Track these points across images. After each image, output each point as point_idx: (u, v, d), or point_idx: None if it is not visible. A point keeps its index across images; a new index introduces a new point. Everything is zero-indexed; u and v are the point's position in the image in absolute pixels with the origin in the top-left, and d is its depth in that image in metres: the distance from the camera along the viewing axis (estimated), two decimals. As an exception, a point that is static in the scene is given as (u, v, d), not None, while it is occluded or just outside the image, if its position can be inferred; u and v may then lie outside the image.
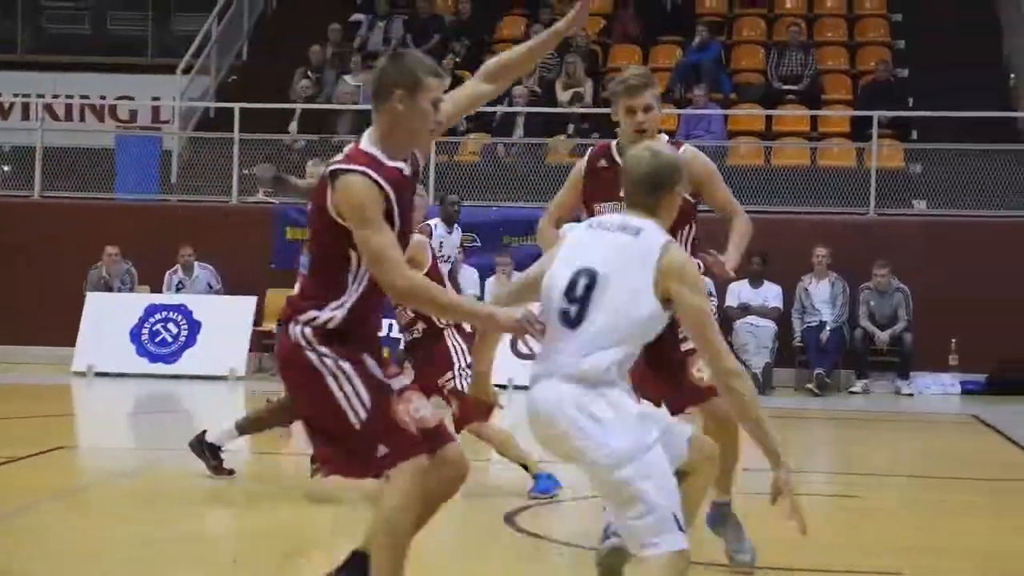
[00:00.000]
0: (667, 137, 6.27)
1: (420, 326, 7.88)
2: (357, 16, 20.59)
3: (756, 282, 15.48)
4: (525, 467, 7.90)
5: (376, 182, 4.45)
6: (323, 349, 4.50)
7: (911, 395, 15.19)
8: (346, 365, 4.50)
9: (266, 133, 17.77)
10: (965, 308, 15.04)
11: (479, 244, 16.19)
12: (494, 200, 16.72)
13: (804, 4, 20.99)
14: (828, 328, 15.34)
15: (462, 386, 7.77)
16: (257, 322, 15.91)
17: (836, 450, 11.97)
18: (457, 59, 19.06)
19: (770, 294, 15.49)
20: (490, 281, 15.53)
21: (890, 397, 15.18)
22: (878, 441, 12.24)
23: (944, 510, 8.13)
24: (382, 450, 4.46)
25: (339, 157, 4.57)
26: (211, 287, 16.25)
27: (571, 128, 17.85)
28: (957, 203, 15.91)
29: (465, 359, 7.82)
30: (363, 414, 4.47)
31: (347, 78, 18.58)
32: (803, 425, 12.98)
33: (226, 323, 15.60)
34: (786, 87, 18.53)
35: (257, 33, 21.23)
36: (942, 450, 11.45)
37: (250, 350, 15.65)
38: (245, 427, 8.18)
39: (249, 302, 15.86)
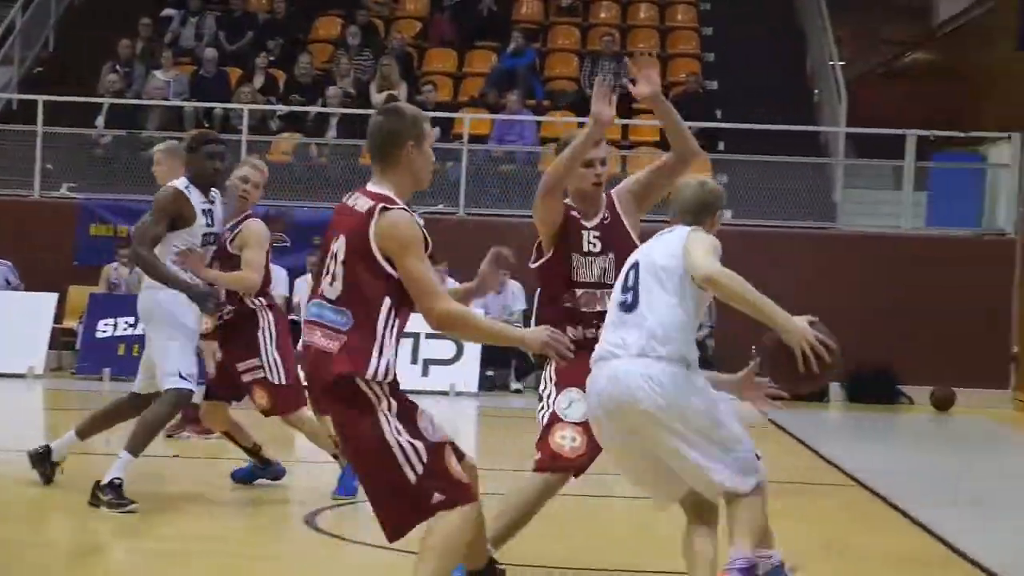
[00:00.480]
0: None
1: (228, 307, 7.86)
2: (168, 11, 20.20)
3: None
4: (336, 457, 7.90)
5: (416, 219, 4.77)
6: (394, 404, 4.72)
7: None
8: (403, 423, 4.72)
9: (72, 127, 17.34)
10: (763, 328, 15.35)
11: (288, 244, 15.99)
12: (306, 200, 16.58)
13: (618, 15, 21.28)
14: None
15: (276, 378, 7.86)
16: (58, 319, 15.55)
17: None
18: (271, 58, 18.88)
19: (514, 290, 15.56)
20: (299, 281, 15.40)
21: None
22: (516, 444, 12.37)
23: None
24: (437, 497, 4.69)
25: (367, 198, 4.77)
26: (9, 283, 15.80)
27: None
28: (762, 213, 16.27)
29: (274, 353, 7.89)
30: (420, 468, 4.70)
31: (157, 73, 18.23)
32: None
33: (25, 320, 15.16)
34: (599, 95, 18.71)
35: (64, 24, 20.69)
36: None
37: (50, 347, 15.27)
38: (85, 430, 7.94)
39: (50, 299, 15.48)
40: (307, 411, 7.72)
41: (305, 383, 5.07)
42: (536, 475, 5.68)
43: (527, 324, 6.10)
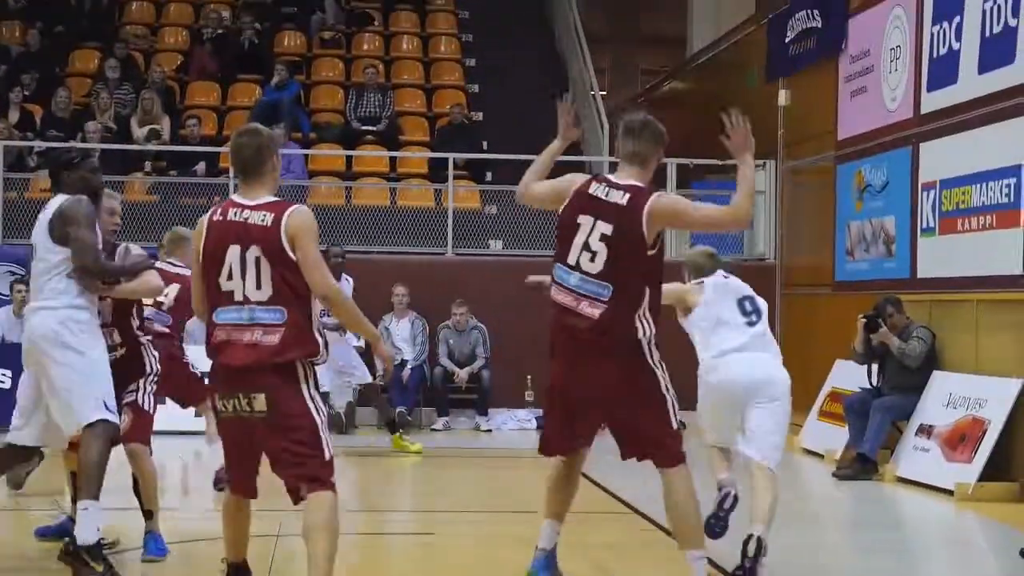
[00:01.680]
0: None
1: (120, 351, 7.53)
2: (-86, 43, 19.49)
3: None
4: (149, 513, 7.62)
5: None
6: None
7: (490, 431, 15.59)
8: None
9: None
10: (539, 346, 15.53)
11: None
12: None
13: (381, 47, 21.33)
14: (409, 366, 15.58)
15: (144, 403, 7.63)
16: None
17: (416, 488, 12.14)
18: (26, 92, 18.34)
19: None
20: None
21: (470, 433, 15.53)
22: (457, 478, 12.46)
23: (507, 543, 8.36)
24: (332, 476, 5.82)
25: (263, 210, 5.83)
26: None
27: (148, 166, 17.46)
28: (531, 243, 16.46)
29: (153, 381, 7.71)
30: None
31: (-102, 107, 17.54)
32: (384, 463, 13.11)
33: None
34: (365, 128, 18.74)
35: None
36: (516, 485, 11.77)
37: None
38: None
39: None
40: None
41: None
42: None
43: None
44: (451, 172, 16.83)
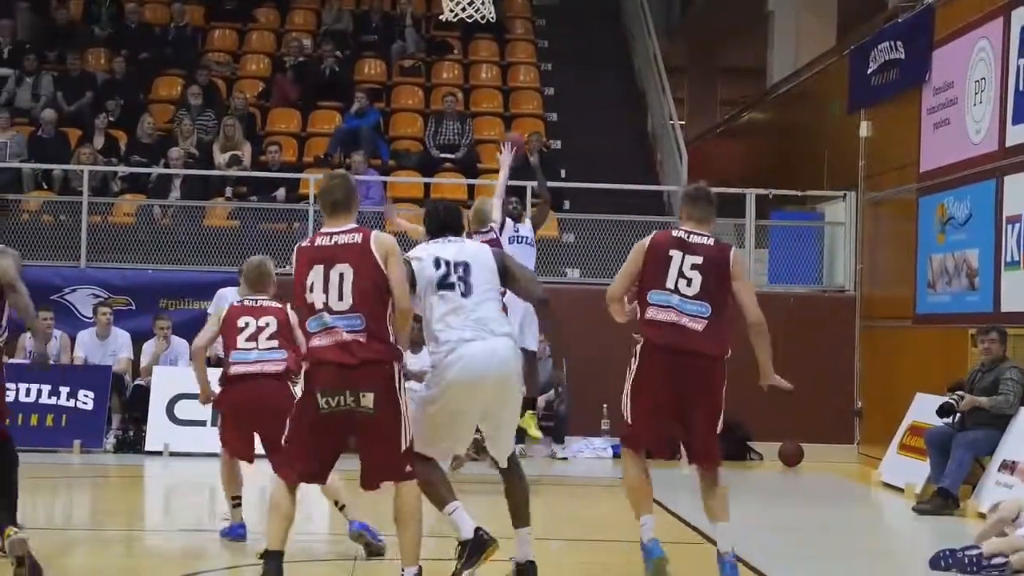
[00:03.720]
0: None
1: None
2: (3, 71, 19.78)
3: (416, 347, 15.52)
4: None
5: None
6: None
7: (566, 459, 15.55)
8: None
9: (-97, 189, 16.88)
10: (616, 374, 15.50)
11: (134, 308, 15.78)
12: (150, 263, 16.32)
13: (460, 75, 21.43)
14: (485, 393, 15.55)
15: None
16: None
17: (491, 513, 12.10)
18: (111, 118, 18.59)
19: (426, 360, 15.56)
20: (148, 344, 15.13)
21: (546, 461, 15.49)
22: (533, 505, 12.40)
23: (589, 572, 8.32)
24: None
25: (352, 234, 6.78)
26: None
27: (229, 191, 17.63)
28: (609, 272, 16.40)
29: None
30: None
31: (-7, 133, 17.86)
32: (459, 488, 13.06)
33: None
34: (444, 155, 18.82)
35: None
36: (592, 514, 11.73)
37: None
38: None
39: None
40: None
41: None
42: None
43: None
44: (528, 200, 16.82)
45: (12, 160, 17.53)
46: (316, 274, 6.67)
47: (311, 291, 6.66)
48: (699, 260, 7.57)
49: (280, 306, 9.10)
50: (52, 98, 19.11)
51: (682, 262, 7.57)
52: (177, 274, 16.03)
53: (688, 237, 7.65)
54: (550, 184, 17.70)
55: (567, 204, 18.08)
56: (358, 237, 6.75)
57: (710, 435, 7.91)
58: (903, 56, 15.45)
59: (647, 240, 7.76)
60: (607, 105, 20.89)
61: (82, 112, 18.94)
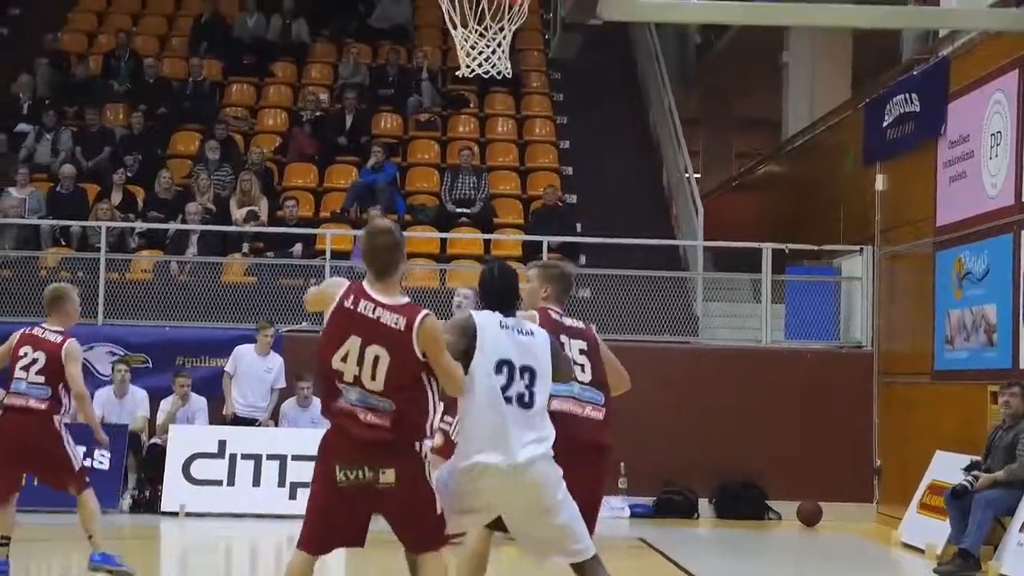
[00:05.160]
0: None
1: None
2: (23, 127, 19.90)
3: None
4: None
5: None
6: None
7: (583, 517, 15.44)
8: None
9: (-79, 246, 16.95)
10: (634, 432, 15.47)
11: (151, 365, 15.78)
12: (167, 320, 16.34)
13: (476, 128, 21.49)
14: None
15: None
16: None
17: (509, 572, 12.03)
18: (129, 174, 18.66)
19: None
20: (165, 401, 15.12)
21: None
22: (547, 566, 12.32)
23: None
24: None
25: (394, 312, 6.27)
26: None
27: (246, 247, 17.67)
28: (624, 328, 16.41)
29: None
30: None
31: (12, 191, 17.90)
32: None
33: None
34: (460, 210, 18.85)
35: (-87, 140, 20.26)
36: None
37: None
38: None
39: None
40: None
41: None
42: None
43: None
44: (545, 255, 16.85)
45: (31, 216, 17.61)
46: (352, 345, 6.26)
47: (344, 360, 6.27)
48: (584, 344, 7.16)
49: (58, 341, 9.11)
50: (71, 153, 19.20)
51: (570, 347, 7.07)
52: (194, 331, 16.05)
53: (562, 319, 7.20)
54: (566, 238, 17.77)
55: (583, 259, 18.09)
56: (402, 322, 6.26)
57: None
58: (918, 109, 15.46)
59: (536, 315, 7.10)
60: (622, 158, 20.93)
61: (100, 167, 19.02)
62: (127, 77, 21.24)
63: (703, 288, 17.12)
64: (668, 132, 20.82)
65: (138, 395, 15.15)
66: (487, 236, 18.40)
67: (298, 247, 17.42)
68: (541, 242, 17.01)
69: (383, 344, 6.23)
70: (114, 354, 15.66)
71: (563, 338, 7.04)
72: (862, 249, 16.76)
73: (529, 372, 6.51)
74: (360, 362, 6.24)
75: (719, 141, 28.84)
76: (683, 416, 15.93)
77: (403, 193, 19.45)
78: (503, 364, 6.47)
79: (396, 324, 6.24)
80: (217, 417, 15.14)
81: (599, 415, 7.04)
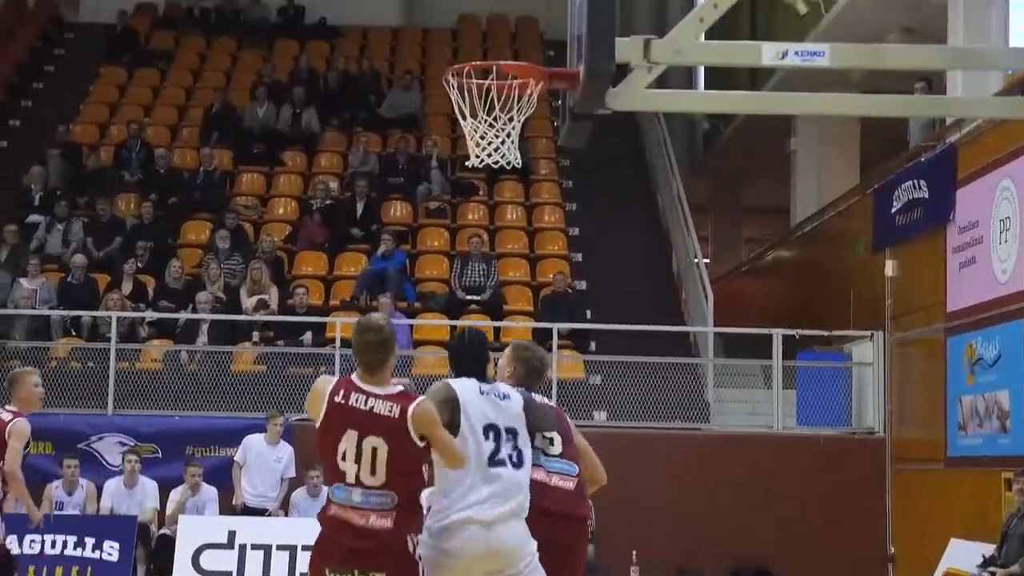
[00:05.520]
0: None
1: None
2: (34, 217, 20.00)
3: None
4: None
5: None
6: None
7: (594, 605, 15.34)
8: None
9: (-69, 338, 16.97)
10: (645, 519, 15.40)
11: (160, 456, 15.73)
12: (177, 409, 16.31)
13: (486, 216, 21.56)
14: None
15: None
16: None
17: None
18: (139, 264, 18.71)
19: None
20: (175, 491, 15.03)
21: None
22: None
23: None
24: None
25: (389, 400, 6.30)
26: None
27: (256, 336, 17.66)
28: (635, 414, 16.36)
29: None
30: None
31: (23, 281, 17.94)
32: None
33: None
34: (469, 297, 18.86)
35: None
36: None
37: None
38: None
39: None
40: None
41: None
42: None
43: None
44: (555, 342, 16.83)
45: (42, 307, 17.64)
46: (349, 441, 6.26)
47: (343, 459, 6.26)
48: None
49: (7, 420, 9.14)
50: (82, 244, 19.27)
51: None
52: (204, 420, 16.00)
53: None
54: (575, 325, 17.75)
55: (593, 345, 18.06)
56: (396, 409, 6.28)
57: None
58: (927, 195, 15.49)
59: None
60: (632, 245, 20.97)
61: (111, 257, 19.07)
62: (138, 167, 21.37)
63: (714, 374, 17.08)
64: (677, 218, 20.88)
65: (148, 486, 15.07)
66: (497, 323, 18.37)
67: (308, 335, 17.42)
68: (551, 329, 17.00)
69: (379, 434, 6.23)
70: (124, 444, 15.62)
71: None
72: (873, 335, 16.73)
73: (513, 433, 6.62)
74: (359, 458, 6.24)
75: (728, 227, 28.91)
76: (695, 502, 15.83)
77: (413, 280, 19.48)
78: (489, 429, 6.56)
79: (391, 412, 6.26)
80: (227, 507, 15.05)
81: (568, 484, 6.97)
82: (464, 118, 8.77)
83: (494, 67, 8.78)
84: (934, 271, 15.21)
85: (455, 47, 26.64)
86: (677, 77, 22.73)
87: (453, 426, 6.51)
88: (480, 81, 8.71)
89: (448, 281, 19.36)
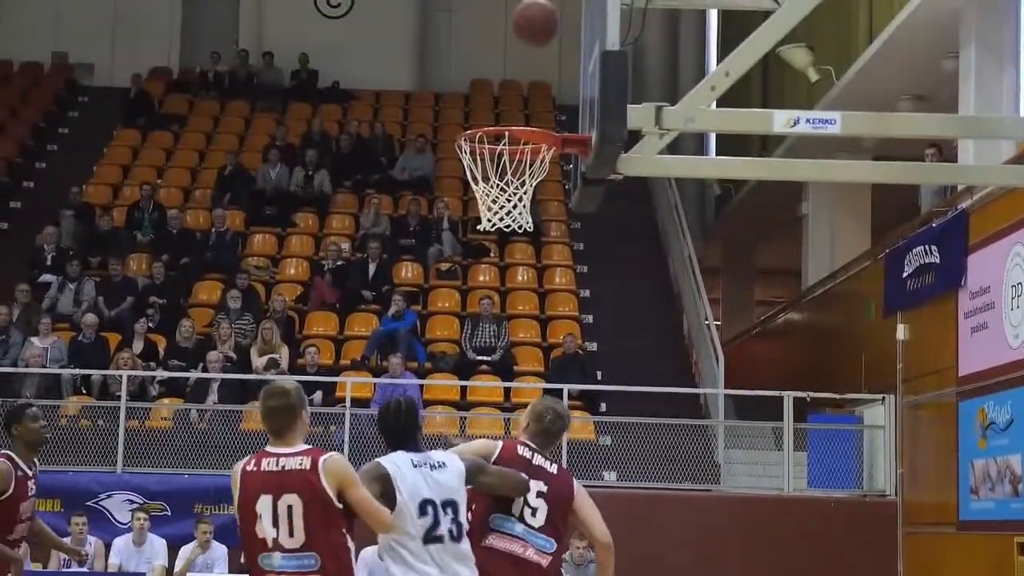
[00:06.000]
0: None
1: None
2: (46, 277, 20.08)
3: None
4: None
5: None
6: None
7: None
8: None
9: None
10: (655, 581, 15.33)
11: (169, 513, 15.70)
12: (186, 467, 16.29)
13: (497, 277, 21.60)
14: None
15: None
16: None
17: None
18: (150, 324, 18.76)
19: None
20: (184, 548, 14.98)
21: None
22: None
23: None
24: None
25: (298, 456, 6.27)
26: None
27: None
28: (646, 476, 16.32)
29: None
30: None
31: (34, 340, 17.99)
32: None
33: None
34: (480, 358, 18.87)
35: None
36: None
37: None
38: None
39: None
40: None
41: None
42: None
43: None
44: (565, 403, 16.79)
45: (52, 365, 17.67)
46: (264, 504, 6.20)
47: (260, 522, 6.19)
48: (543, 487, 6.89)
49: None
50: (93, 303, 19.33)
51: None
52: (213, 478, 15.96)
53: (533, 458, 6.95)
54: (586, 386, 17.74)
55: (603, 406, 18.04)
56: (307, 462, 6.23)
57: None
58: (938, 260, 15.51)
59: (497, 447, 7.02)
60: (643, 307, 21.01)
61: (122, 317, 19.13)
62: (151, 228, 21.47)
63: (724, 435, 17.05)
64: (688, 280, 20.92)
65: (156, 543, 15.04)
66: (507, 384, 18.41)
67: (318, 395, 17.43)
68: (562, 390, 16.98)
69: (292, 490, 6.18)
70: (133, 502, 15.60)
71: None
72: (884, 398, 16.70)
73: (452, 506, 6.48)
74: (275, 521, 6.16)
75: (739, 289, 28.91)
76: (704, 564, 15.74)
77: (423, 341, 19.50)
78: (426, 504, 6.44)
79: (301, 465, 6.22)
80: (236, 566, 15.00)
81: (542, 561, 6.78)
82: (476, 182, 8.82)
83: (506, 132, 8.83)
84: (946, 335, 15.19)
85: (467, 111, 26.81)
86: (688, 142, 22.85)
87: (389, 499, 6.39)
88: (492, 146, 8.77)
89: (459, 342, 19.38)
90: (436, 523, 6.42)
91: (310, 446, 6.34)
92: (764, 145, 21.61)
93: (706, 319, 19.63)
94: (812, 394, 17.15)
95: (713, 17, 27.20)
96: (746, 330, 26.21)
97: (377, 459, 6.59)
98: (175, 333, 18.46)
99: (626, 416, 16.96)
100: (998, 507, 13.79)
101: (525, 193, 8.92)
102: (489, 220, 9.12)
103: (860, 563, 15.84)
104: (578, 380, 17.74)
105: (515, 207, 8.92)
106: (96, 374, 17.42)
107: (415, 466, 6.49)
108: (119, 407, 16.50)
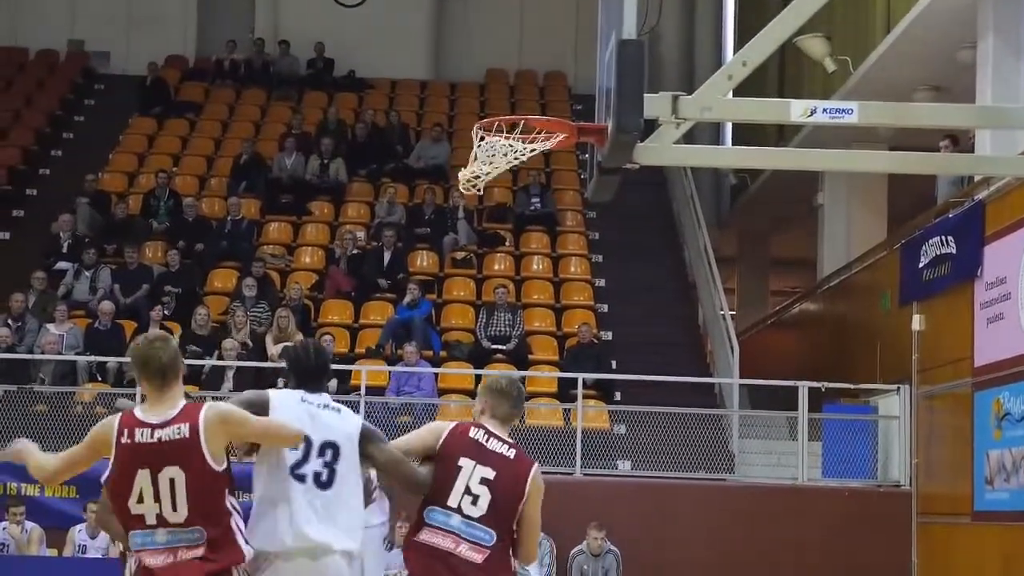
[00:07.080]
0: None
1: None
2: (62, 264, 20.14)
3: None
4: None
5: None
6: None
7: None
8: None
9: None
10: (668, 569, 15.33)
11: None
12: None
13: (512, 266, 21.60)
14: (537, 590, 15.33)
15: None
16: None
17: None
18: (166, 311, 18.80)
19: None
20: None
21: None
22: None
23: None
24: None
25: (168, 418, 5.79)
26: None
27: (281, 383, 17.66)
28: (660, 465, 16.32)
29: None
30: None
31: (50, 327, 18.04)
32: None
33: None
34: (495, 347, 18.88)
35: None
36: None
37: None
38: None
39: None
40: None
41: None
42: None
43: None
44: (580, 392, 16.83)
45: (68, 352, 17.72)
46: (143, 480, 5.75)
47: (140, 501, 5.76)
48: (491, 474, 6.30)
49: None
50: (109, 291, 19.38)
51: (470, 472, 6.29)
52: (236, 467, 15.98)
53: (488, 442, 6.36)
54: (600, 376, 17.74)
55: (618, 395, 18.05)
56: (185, 430, 5.77)
57: None
58: (954, 251, 15.47)
59: (446, 430, 6.43)
60: (658, 296, 21.00)
61: (138, 304, 19.17)
62: (166, 216, 21.52)
63: (739, 425, 17.05)
64: (703, 270, 20.91)
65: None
66: (521, 373, 18.37)
67: (333, 383, 17.43)
68: (576, 379, 16.99)
69: (173, 463, 5.76)
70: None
71: (465, 460, 6.29)
72: (899, 388, 16.67)
73: (332, 449, 6.02)
74: (157, 496, 5.76)
75: (755, 280, 28.88)
76: (719, 553, 15.75)
77: (438, 330, 19.52)
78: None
79: (179, 434, 5.78)
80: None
81: (477, 557, 6.22)
82: (481, 144, 8.65)
83: (522, 121, 8.80)
84: (961, 326, 15.16)
85: (483, 100, 26.79)
86: (704, 131, 22.82)
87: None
88: (508, 135, 8.71)
89: (474, 331, 19.39)
90: (304, 460, 5.99)
91: (184, 402, 5.88)
92: (781, 134, 21.57)
93: (721, 309, 19.62)
94: (827, 384, 17.15)
95: (730, 6, 27.17)
96: (761, 320, 26.20)
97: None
98: (191, 321, 18.49)
99: (641, 405, 16.96)
100: (1013, 498, 13.77)
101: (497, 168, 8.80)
102: (469, 180, 8.92)
103: (874, 553, 15.83)
104: (593, 369, 17.75)
105: (487, 174, 8.80)
106: (112, 361, 17.47)
107: (302, 401, 6.09)
108: (135, 394, 16.52)
